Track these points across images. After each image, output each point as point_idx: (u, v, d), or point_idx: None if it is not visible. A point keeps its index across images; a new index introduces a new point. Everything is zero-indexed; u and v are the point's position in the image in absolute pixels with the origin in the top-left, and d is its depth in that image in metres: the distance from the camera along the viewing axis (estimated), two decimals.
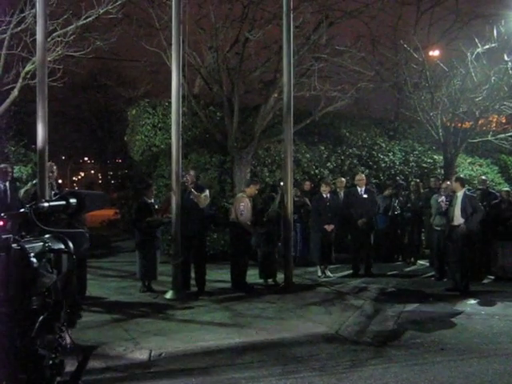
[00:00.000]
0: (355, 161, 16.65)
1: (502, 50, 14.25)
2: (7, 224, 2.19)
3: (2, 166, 10.69)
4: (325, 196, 12.10)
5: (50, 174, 10.14)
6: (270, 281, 10.98)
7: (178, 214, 9.61)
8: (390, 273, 12.58)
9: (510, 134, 16.31)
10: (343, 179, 13.87)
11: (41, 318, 2.17)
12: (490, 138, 16.33)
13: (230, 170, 14.67)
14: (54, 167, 10.42)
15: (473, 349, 6.99)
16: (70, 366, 2.38)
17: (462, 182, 11.11)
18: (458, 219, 10.60)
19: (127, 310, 8.81)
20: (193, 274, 10.26)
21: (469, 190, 11.11)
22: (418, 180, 14.91)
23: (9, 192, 10.05)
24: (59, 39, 11.62)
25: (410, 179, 16.02)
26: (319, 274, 11.97)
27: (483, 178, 14.43)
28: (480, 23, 16.49)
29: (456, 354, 6.77)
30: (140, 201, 10.55)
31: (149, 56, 15.53)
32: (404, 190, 14.72)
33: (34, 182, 9.20)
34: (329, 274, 12.01)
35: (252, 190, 10.77)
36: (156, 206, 10.66)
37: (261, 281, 11.05)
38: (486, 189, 13.23)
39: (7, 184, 10.04)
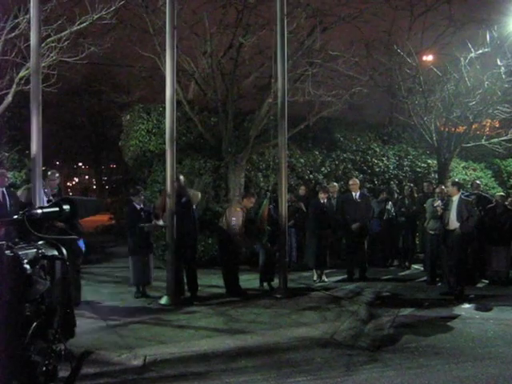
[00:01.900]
0: (349, 165, 16.69)
1: (495, 54, 14.32)
2: (1, 231, 2.19)
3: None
4: (322, 201, 12.12)
5: (51, 182, 10.13)
6: (265, 285, 10.99)
7: (173, 218, 9.62)
8: (384, 277, 12.59)
9: (503, 138, 16.38)
10: (335, 184, 13.89)
11: (34, 324, 2.17)
12: (483, 142, 16.39)
13: (224, 175, 14.67)
14: (57, 175, 10.40)
15: (467, 353, 7.00)
16: (64, 372, 2.38)
17: (459, 186, 11.16)
18: (454, 223, 10.62)
19: (122, 315, 8.78)
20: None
21: (463, 194, 11.13)
22: (412, 185, 14.93)
23: (7, 198, 10.01)
24: (53, 45, 11.62)
25: (404, 184, 16.06)
26: (315, 278, 11.97)
27: (477, 182, 14.48)
28: (473, 28, 16.53)
29: (451, 358, 6.78)
30: (130, 206, 10.59)
31: (143, 61, 15.54)
32: (398, 194, 14.76)
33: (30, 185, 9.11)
34: (324, 278, 12.01)
35: (249, 201, 10.80)
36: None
37: (255, 286, 11.06)
38: (481, 193, 13.28)
39: (4, 190, 9.99)
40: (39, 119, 8.45)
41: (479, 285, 11.81)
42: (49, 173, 10.36)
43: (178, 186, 10.00)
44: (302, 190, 14.20)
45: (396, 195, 14.81)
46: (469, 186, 15.30)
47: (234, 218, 10.35)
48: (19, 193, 10.24)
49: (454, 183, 11.17)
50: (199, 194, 10.98)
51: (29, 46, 9.18)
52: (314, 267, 12.16)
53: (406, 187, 14.55)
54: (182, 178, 10.48)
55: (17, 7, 11.47)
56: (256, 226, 10.79)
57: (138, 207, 10.34)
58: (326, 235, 12.04)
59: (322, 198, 12.16)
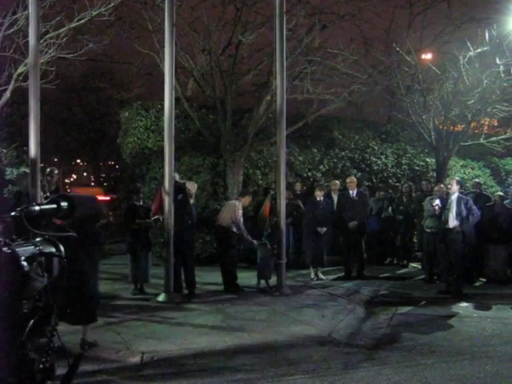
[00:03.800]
0: (348, 163, 16.67)
1: (494, 53, 14.29)
2: None
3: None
4: (318, 199, 12.12)
5: (49, 178, 10.10)
6: (262, 282, 10.98)
7: (171, 215, 9.61)
8: (382, 275, 12.60)
9: (501, 136, 16.37)
10: (337, 182, 13.90)
11: (31, 321, 2.16)
12: (482, 140, 16.38)
13: (222, 173, 14.66)
14: (55, 171, 10.38)
15: (465, 351, 7.00)
16: (61, 369, 2.37)
17: (461, 185, 11.20)
18: (453, 222, 10.60)
19: (119, 312, 8.77)
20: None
21: (461, 192, 11.12)
22: (410, 183, 14.91)
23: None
24: (52, 41, 11.59)
25: (403, 182, 16.06)
26: (312, 276, 11.98)
27: (476, 180, 14.48)
28: (472, 27, 16.51)
29: (448, 356, 6.78)
30: (129, 203, 10.59)
31: (142, 58, 15.52)
32: (396, 193, 14.76)
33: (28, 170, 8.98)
34: (321, 276, 12.02)
35: (247, 200, 10.91)
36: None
37: (253, 283, 11.06)
38: (480, 192, 13.27)
39: None
40: (37, 116, 8.43)
41: (477, 283, 11.82)
42: (48, 170, 10.35)
43: (174, 183, 10.01)
44: (297, 186, 14.19)
45: (393, 193, 14.84)
46: (467, 185, 15.30)
47: (240, 211, 10.55)
48: (16, 174, 10.15)
49: (458, 182, 11.13)
50: (195, 185, 11.04)
51: (27, 42, 9.15)
52: (310, 265, 12.17)
53: (405, 185, 14.53)
54: (177, 175, 10.50)
55: (15, 3, 11.44)
56: (258, 223, 10.86)
57: (138, 204, 10.35)
58: (323, 233, 12.02)
59: (318, 195, 12.16)
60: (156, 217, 10.14)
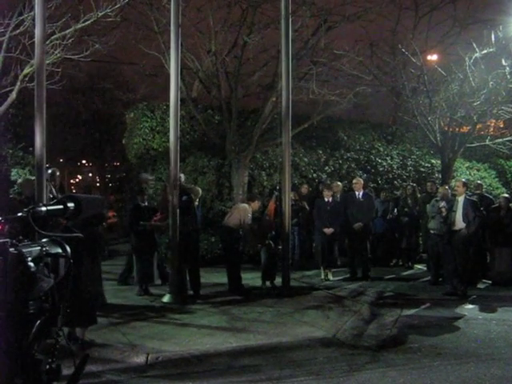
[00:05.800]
0: (353, 165, 16.67)
1: (500, 54, 14.28)
2: (5, 228, 2.18)
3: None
4: (326, 200, 12.10)
5: (52, 183, 10.12)
6: (267, 283, 10.98)
7: (176, 217, 9.62)
8: (387, 277, 12.59)
9: (507, 138, 16.35)
10: (339, 183, 13.86)
11: (38, 322, 2.16)
12: (487, 142, 16.37)
13: (227, 174, 14.67)
14: (57, 173, 10.40)
15: (470, 353, 6.98)
16: (68, 370, 2.37)
17: (467, 186, 11.19)
18: (460, 224, 10.57)
19: (124, 313, 8.79)
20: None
21: (467, 194, 11.10)
22: (414, 184, 14.89)
23: None
24: (58, 42, 11.62)
25: (407, 183, 16.06)
26: (322, 277, 11.97)
27: (478, 182, 14.45)
28: (478, 28, 16.52)
29: (453, 358, 6.76)
30: (134, 204, 10.60)
31: (147, 59, 15.57)
32: (401, 194, 14.74)
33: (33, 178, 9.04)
34: (329, 277, 12.00)
35: (257, 205, 10.95)
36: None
37: (258, 284, 11.06)
38: (482, 193, 13.25)
39: None
40: (43, 116, 8.45)
41: (482, 286, 11.77)
42: (49, 171, 10.37)
43: (180, 184, 10.02)
44: (304, 189, 14.18)
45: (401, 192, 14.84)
46: (472, 186, 15.28)
47: (249, 215, 10.58)
48: (20, 181, 10.19)
49: (465, 184, 11.11)
50: (200, 190, 11.06)
51: (33, 43, 9.18)
52: (321, 266, 12.14)
53: (409, 187, 14.51)
54: (182, 176, 10.51)
55: (22, 4, 11.48)
56: (262, 226, 10.87)
57: (142, 205, 10.37)
58: (328, 234, 11.98)
59: (327, 196, 12.14)
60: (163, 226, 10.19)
